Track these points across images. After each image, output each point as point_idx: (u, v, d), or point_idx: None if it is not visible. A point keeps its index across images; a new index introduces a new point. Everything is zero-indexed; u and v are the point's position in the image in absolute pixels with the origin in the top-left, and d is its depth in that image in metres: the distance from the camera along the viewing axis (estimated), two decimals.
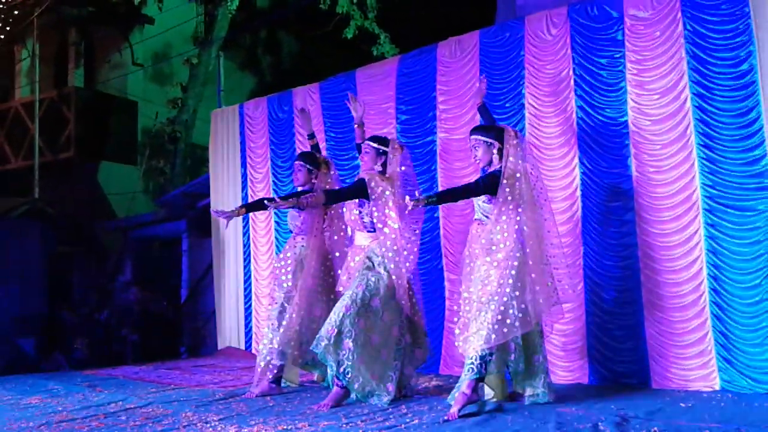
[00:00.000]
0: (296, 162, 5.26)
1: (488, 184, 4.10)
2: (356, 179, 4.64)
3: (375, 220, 4.46)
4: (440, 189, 5.60)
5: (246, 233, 7.47)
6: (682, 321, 4.56)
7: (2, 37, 10.23)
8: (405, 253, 4.44)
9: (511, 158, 4.09)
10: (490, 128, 4.35)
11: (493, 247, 4.03)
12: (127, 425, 4.02)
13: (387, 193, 4.44)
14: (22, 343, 7.50)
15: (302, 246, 5.08)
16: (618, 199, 4.91)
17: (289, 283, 5.03)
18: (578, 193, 5.08)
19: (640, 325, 4.73)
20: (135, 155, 11.90)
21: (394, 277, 4.41)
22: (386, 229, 4.43)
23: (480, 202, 4.21)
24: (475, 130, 4.34)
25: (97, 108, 11.73)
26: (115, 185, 11.46)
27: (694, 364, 4.50)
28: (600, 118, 5.01)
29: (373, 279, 4.42)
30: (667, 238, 4.67)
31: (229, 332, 7.56)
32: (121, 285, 9.09)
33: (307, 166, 5.16)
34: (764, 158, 4.33)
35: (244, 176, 7.52)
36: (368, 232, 4.60)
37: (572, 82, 5.13)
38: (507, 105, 5.49)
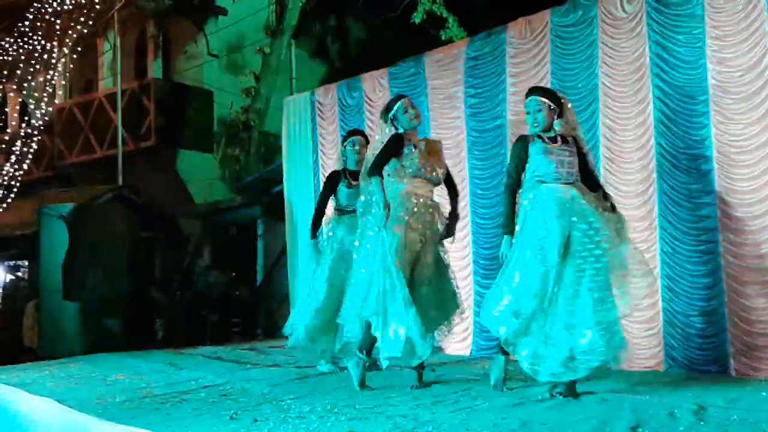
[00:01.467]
0: (352, 138, 5.36)
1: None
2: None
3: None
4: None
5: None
6: (763, 306, 4.38)
7: (86, 31, 10.71)
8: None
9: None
10: (548, 90, 4.23)
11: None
12: (205, 401, 4.20)
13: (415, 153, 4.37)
14: (109, 323, 7.91)
15: None
16: (697, 181, 4.73)
17: None
18: (654, 175, 4.92)
19: (720, 311, 4.56)
20: (211, 143, 12.28)
21: None
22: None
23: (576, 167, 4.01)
24: (535, 91, 4.12)
25: (175, 98, 12.16)
26: (193, 173, 11.86)
27: None
28: (678, 97, 4.83)
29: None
30: (751, 221, 4.48)
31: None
32: (200, 269, 9.43)
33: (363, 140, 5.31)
34: None
35: (316, 162, 7.65)
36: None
37: (648, 60, 4.96)
38: (579, 86, 5.37)
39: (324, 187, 5.45)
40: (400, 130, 4.44)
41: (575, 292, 3.80)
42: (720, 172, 4.62)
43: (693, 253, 4.72)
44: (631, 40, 5.06)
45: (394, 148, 4.36)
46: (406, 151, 4.37)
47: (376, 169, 4.30)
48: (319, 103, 7.62)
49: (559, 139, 4.03)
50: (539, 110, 3.99)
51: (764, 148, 4.44)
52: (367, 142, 5.25)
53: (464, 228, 6.08)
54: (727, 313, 4.53)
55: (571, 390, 3.84)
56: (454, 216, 4.58)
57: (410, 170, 4.36)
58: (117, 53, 12.33)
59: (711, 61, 4.66)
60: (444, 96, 6.28)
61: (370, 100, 6.97)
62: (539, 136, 4.03)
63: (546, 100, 4.00)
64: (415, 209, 4.33)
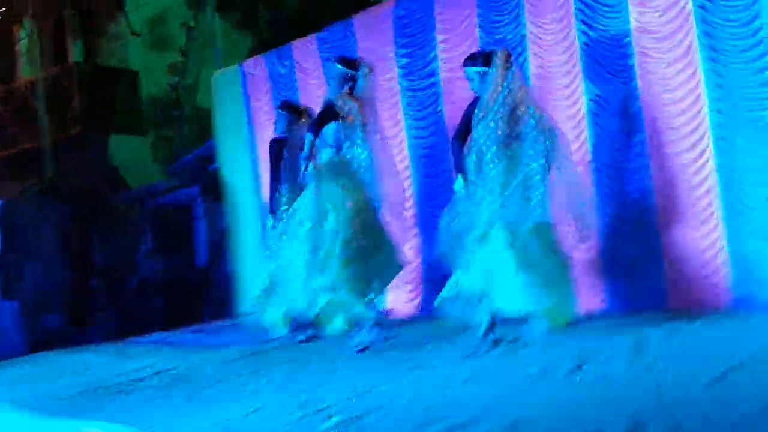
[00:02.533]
0: (277, 110, 5.54)
1: None
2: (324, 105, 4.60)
3: (344, 138, 4.48)
4: (448, 129, 5.50)
5: (258, 191, 7.48)
6: (696, 239, 4.53)
7: None
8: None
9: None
10: (477, 55, 4.28)
11: None
12: (159, 387, 4.13)
13: (355, 112, 4.46)
14: (51, 319, 7.69)
15: None
16: (627, 122, 4.83)
17: None
18: (586, 119, 5.00)
19: (656, 246, 4.70)
20: (142, 125, 11.91)
21: None
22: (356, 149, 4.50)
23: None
24: (468, 60, 4.26)
25: (100, 81, 11.72)
26: (126, 157, 11.51)
27: (709, 282, 4.48)
28: (603, 40, 4.89)
29: None
30: (679, 156, 4.60)
31: (249, 293, 7.65)
32: (143, 254, 9.23)
33: (287, 114, 5.42)
34: None
35: (252, 136, 7.50)
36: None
37: (572, 6, 5.00)
38: (508, 38, 5.37)
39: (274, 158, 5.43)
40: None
41: None
42: (647, 111, 4.71)
43: (626, 193, 4.84)
44: None
45: None
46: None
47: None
48: (250, 75, 7.44)
49: None
50: (472, 80, 4.17)
51: (688, 83, 4.54)
52: (295, 112, 5.41)
53: (408, 188, 6.08)
54: (662, 248, 4.67)
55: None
56: None
57: None
58: (34, 39, 11.78)
59: (632, 3, 4.72)
60: (375, 57, 6.17)
61: (302, 67, 6.85)
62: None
63: (474, 69, 4.16)
64: None
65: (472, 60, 4.26)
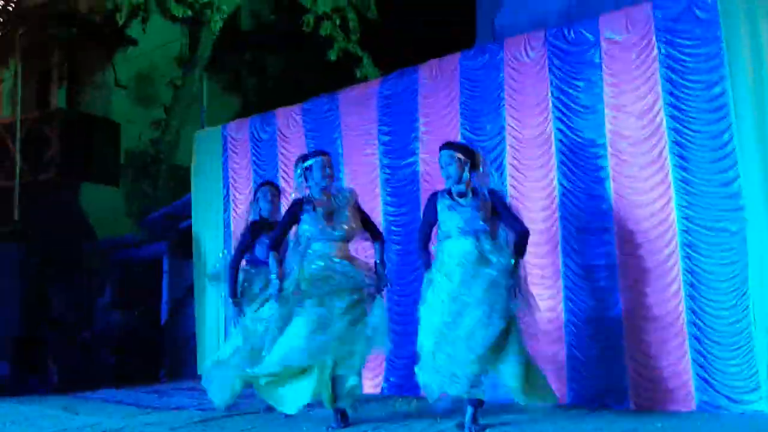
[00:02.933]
0: (263, 186, 5.37)
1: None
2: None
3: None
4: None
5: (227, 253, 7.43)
6: (660, 341, 4.59)
7: None
8: None
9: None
10: (460, 144, 4.40)
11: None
12: None
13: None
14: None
15: None
16: (597, 219, 4.95)
17: None
18: (557, 213, 5.12)
19: (619, 345, 4.74)
20: (117, 176, 11.83)
21: None
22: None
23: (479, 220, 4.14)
24: (446, 145, 4.31)
25: (80, 129, 11.67)
26: (97, 207, 11.37)
27: (672, 384, 4.52)
28: (578, 139, 5.07)
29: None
30: (646, 258, 4.72)
31: (210, 355, 7.47)
32: (101, 306, 9.00)
33: (273, 191, 5.32)
34: (737, 180, 4.39)
35: (227, 197, 7.50)
36: None
37: (551, 104, 5.19)
38: (488, 126, 5.54)
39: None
40: (310, 184, 4.47)
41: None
42: (617, 211, 4.85)
43: (594, 290, 4.91)
44: (535, 85, 5.29)
45: (288, 218, 4.46)
46: (305, 216, 4.39)
47: (272, 244, 4.44)
48: (232, 137, 7.50)
49: (469, 192, 4.18)
50: (449, 164, 4.19)
51: (658, 188, 4.71)
52: (278, 191, 5.36)
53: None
54: (626, 347, 4.72)
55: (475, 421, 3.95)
56: (380, 265, 4.53)
57: (308, 234, 4.36)
58: (18, 80, 11.78)
59: (608, 107, 4.93)
60: (357, 133, 6.33)
61: (284, 135, 6.94)
62: (449, 192, 4.22)
63: (456, 153, 4.19)
64: (314, 274, 4.30)
65: (450, 146, 4.32)
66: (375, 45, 11.10)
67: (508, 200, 4.55)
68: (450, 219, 4.13)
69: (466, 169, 4.17)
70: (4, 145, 11.78)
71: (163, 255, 8.92)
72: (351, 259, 4.44)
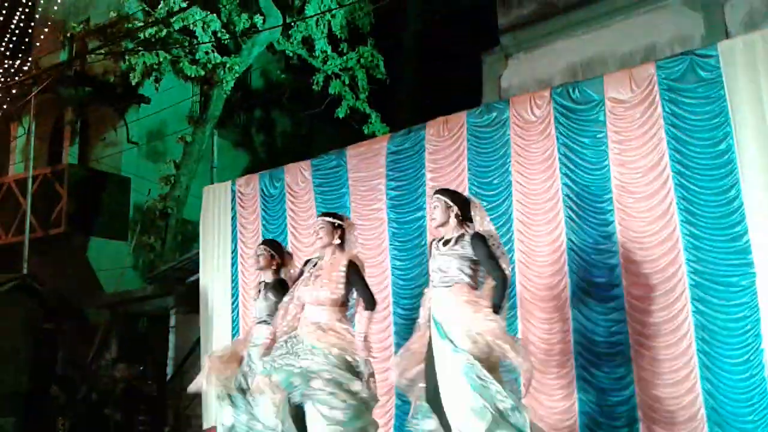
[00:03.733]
0: (260, 246, 5.32)
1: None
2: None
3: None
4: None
5: (235, 308, 7.41)
6: (673, 397, 4.53)
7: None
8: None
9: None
10: (453, 191, 4.36)
11: None
12: None
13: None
14: (4, 422, 7.30)
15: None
16: (604, 275, 4.95)
17: None
18: (565, 268, 5.12)
19: (631, 401, 4.68)
20: (126, 231, 11.92)
21: None
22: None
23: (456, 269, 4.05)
24: (437, 191, 4.31)
25: (90, 184, 11.84)
26: (105, 261, 11.42)
27: None
28: (585, 195, 5.11)
29: None
30: (655, 314, 4.70)
31: (216, 412, 7.37)
32: (106, 362, 8.94)
33: (271, 251, 5.23)
34: (745, 235, 4.41)
35: (235, 252, 7.52)
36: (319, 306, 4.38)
37: (557, 161, 5.26)
38: (495, 182, 5.60)
39: None
40: None
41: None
42: (625, 266, 4.85)
43: (605, 346, 4.87)
44: (540, 142, 5.36)
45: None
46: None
47: None
48: (240, 192, 7.58)
49: (453, 240, 4.11)
50: (435, 207, 4.18)
51: (666, 243, 4.72)
52: (278, 251, 5.26)
53: (386, 318, 6.07)
54: (638, 402, 4.65)
55: None
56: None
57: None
58: (31, 138, 12.01)
59: (614, 163, 4.99)
60: (366, 188, 6.39)
61: (293, 190, 7.01)
62: (441, 239, 4.18)
63: (443, 197, 4.17)
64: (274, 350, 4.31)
65: (439, 191, 4.29)
66: (383, 103, 11.32)
67: (494, 242, 4.16)
68: (431, 267, 4.12)
69: (452, 214, 4.11)
70: (16, 200, 11.94)
71: (170, 309, 8.90)
72: None
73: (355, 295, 4.41)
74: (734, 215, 4.48)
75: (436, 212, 4.16)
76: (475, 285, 4.05)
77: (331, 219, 4.50)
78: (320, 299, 4.31)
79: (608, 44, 7.95)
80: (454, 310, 3.93)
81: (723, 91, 4.57)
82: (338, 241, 4.43)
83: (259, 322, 5.12)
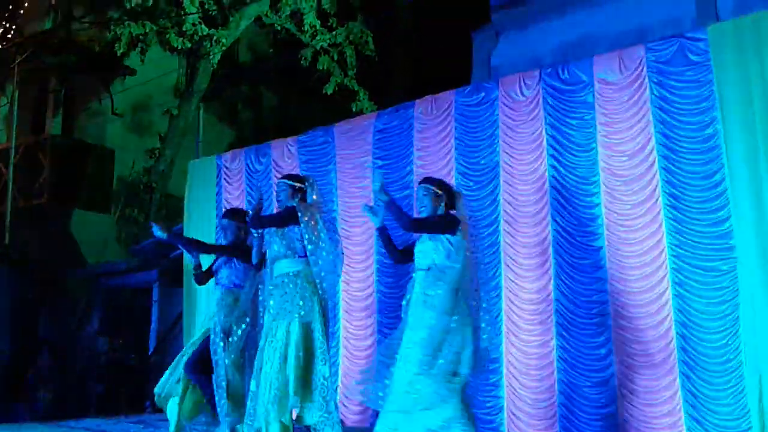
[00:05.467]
0: (223, 219, 5.40)
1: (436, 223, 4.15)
2: (286, 207, 4.69)
3: (306, 243, 4.52)
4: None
5: None
6: (651, 379, 4.58)
7: None
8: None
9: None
10: (439, 180, 4.43)
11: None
12: None
13: (317, 216, 4.58)
14: None
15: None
16: (589, 256, 4.98)
17: None
18: (550, 250, 5.14)
19: (611, 381, 4.74)
20: (109, 203, 11.81)
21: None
22: (322, 252, 4.54)
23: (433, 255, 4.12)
24: (424, 180, 4.40)
25: (74, 155, 11.70)
26: (88, 233, 11.33)
27: (664, 423, 4.50)
28: (572, 177, 5.12)
29: None
30: (637, 295, 4.74)
31: None
32: (88, 334, 8.91)
33: (237, 222, 5.24)
34: (728, 220, 4.44)
35: (219, 227, 7.49)
36: (299, 257, 4.60)
37: (545, 142, 5.25)
38: (482, 162, 5.59)
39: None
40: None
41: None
42: (610, 248, 4.88)
43: (587, 326, 4.91)
44: (529, 122, 5.35)
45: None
46: None
47: None
48: (226, 167, 7.52)
49: None
50: (424, 195, 4.25)
51: (650, 227, 4.74)
52: (243, 220, 5.27)
53: (369, 297, 6.08)
54: (617, 386, 4.71)
55: None
56: None
57: None
58: (14, 107, 11.82)
59: (601, 146, 4.99)
60: (352, 165, 6.36)
61: (279, 166, 6.96)
62: None
63: (431, 187, 4.25)
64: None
65: (426, 181, 4.39)
66: (371, 80, 11.24)
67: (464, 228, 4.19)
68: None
69: (442, 204, 4.21)
70: None
71: (153, 283, 8.87)
72: None
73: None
74: (718, 200, 4.50)
75: (425, 200, 4.24)
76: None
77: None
78: None
79: (600, 24, 7.93)
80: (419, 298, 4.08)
81: (711, 75, 4.57)
82: None
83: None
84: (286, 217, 4.62)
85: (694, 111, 4.64)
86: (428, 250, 4.11)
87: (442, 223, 4.14)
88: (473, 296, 4.11)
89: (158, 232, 5.17)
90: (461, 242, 4.08)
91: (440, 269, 4.05)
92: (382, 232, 4.46)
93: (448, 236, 4.08)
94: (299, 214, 4.54)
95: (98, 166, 11.88)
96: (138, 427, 6.22)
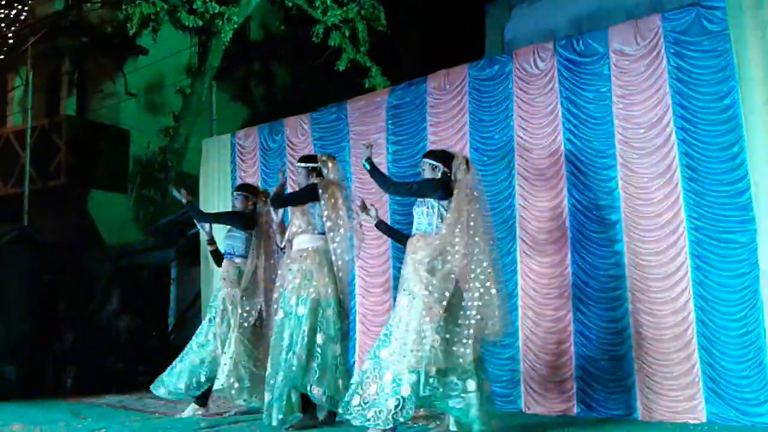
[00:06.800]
0: (234, 192, 5.68)
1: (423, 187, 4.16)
2: (307, 185, 4.76)
3: (325, 219, 4.58)
4: None
5: None
6: (669, 352, 4.57)
7: None
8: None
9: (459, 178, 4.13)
10: (439, 151, 4.41)
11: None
12: None
13: (337, 193, 4.65)
14: (8, 370, 7.42)
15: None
16: (606, 230, 4.95)
17: None
18: (567, 223, 5.12)
19: (628, 356, 4.73)
20: (125, 184, 11.89)
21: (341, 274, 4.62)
22: (340, 229, 4.60)
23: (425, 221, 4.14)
24: (424, 155, 4.41)
25: (89, 136, 11.77)
26: (105, 213, 11.43)
27: (682, 396, 4.50)
28: (588, 150, 5.07)
29: None
30: (655, 269, 4.71)
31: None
32: (108, 313, 9.02)
33: (244, 193, 5.51)
34: (748, 191, 4.39)
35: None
36: (318, 233, 4.66)
37: (560, 115, 5.20)
38: (496, 137, 5.56)
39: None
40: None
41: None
42: (627, 222, 4.84)
43: (603, 300, 4.90)
44: (544, 96, 5.30)
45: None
46: None
47: None
48: (240, 145, 7.55)
49: None
50: (423, 170, 4.31)
51: (667, 200, 4.70)
52: (252, 193, 5.54)
53: (385, 273, 6.10)
54: (634, 358, 4.70)
55: None
56: None
57: None
58: (29, 89, 11.87)
59: (617, 118, 4.93)
60: (366, 142, 6.33)
61: (292, 143, 6.97)
62: None
63: (427, 160, 4.28)
64: None
65: (430, 152, 4.43)
66: (384, 56, 11.14)
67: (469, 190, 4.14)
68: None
69: (439, 173, 4.19)
70: (14, 152, 11.87)
71: (171, 262, 8.94)
72: None
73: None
74: (737, 171, 4.44)
75: (425, 174, 4.26)
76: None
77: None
78: None
79: None
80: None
81: (729, 44, 4.49)
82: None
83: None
84: (306, 195, 4.71)
85: (712, 81, 4.57)
86: (418, 214, 4.19)
87: (415, 188, 4.21)
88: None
89: (176, 193, 5.48)
90: (450, 205, 4.05)
91: (423, 234, 4.09)
92: (380, 226, 4.59)
93: (435, 200, 4.09)
94: (320, 191, 4.60)
95: (114, 146, 11.95)
96: (159, 402, 6.32)
